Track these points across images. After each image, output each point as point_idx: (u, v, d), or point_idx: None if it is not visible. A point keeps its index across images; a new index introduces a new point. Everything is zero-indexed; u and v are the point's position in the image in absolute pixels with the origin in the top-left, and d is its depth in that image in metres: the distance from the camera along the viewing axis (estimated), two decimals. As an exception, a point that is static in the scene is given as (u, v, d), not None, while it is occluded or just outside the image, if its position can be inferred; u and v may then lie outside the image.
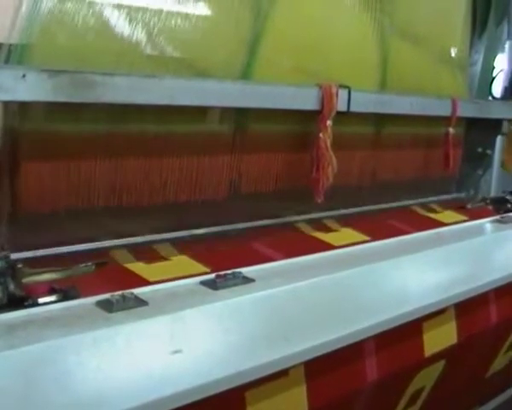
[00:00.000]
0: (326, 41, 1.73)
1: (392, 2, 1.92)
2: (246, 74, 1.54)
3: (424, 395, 1.68)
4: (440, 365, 1.65)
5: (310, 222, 1.73)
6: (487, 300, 1.75)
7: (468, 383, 1.90)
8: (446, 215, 2.09)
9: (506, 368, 2.11)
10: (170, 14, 1.37)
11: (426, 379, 1.63)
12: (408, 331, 1.45)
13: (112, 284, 1.11)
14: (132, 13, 1.31)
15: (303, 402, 1.23)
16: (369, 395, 1.42)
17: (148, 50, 1.35)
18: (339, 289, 1.34)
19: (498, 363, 2.02)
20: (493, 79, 2.56)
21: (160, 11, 1.36)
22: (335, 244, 1.59)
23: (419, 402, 1.68)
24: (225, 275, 1.21)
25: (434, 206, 2.18)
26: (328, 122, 1.59)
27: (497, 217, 2.08)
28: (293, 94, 1.54)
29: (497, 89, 2.59)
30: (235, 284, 1.20)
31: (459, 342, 1.63)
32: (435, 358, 1.59)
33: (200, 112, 1.46)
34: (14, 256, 1.13)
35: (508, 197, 2.28)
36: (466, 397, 1.98)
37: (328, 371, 1.26)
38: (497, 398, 2.23)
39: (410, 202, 2.13)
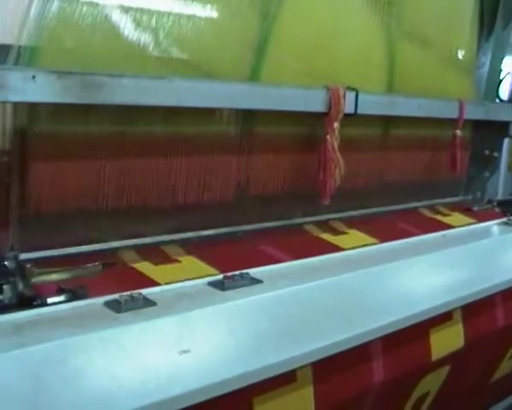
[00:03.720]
0: (334, 43, 1.73)
1: (400, 5, 1.92)
2: (254, 76, 1.54)
3: (429, 399, 1.67)
4: (446, 369, 1.64)
5: (317, 224, 1.73)
6: (494, 303, 1.75)
7: (473, 389, 1.89)
8: (453, 218, 2.09)
9: (511, 373, 2.10)
10: (178, 16, 1.38)
11: (431, 384, 1.62)
12: (415, 335, 1.45)
13: (120, 285, 1.12)
14: (140, 15, 1.32)
15: (310, 408, 1.23)
16: (374, 399, 1.42)
17: (156, 53, 1.36)
18: (346, 290, 1.34)
19: (503, 368, 2.01)
20: (500, 81, 2.55)
21: (168, 14, 1.36)
22: (342, 246, 1.59)
23: (424, 407, 1.68)
24: (233, 276, 1.21)
25: (441, 208, 2.18)
26: (336, 124, 1.59)
27: (504, 219, 2.08)
28: (301, 96, 1.54)
29: (505, 91, 2.59)
30: (243, 285, 1.20)
31: (465, 346, 1.63)
32: (442, 362, 1.58)
33: (208, 113, 1.46)
34: (23, 256, 1.14)
35: (514, 200, 2.29)
36: (471, 402, 1.98)
37: (335, 376, 1.26)
38: (501, 403, 2.22)
39: (417, 204, 2.13)
